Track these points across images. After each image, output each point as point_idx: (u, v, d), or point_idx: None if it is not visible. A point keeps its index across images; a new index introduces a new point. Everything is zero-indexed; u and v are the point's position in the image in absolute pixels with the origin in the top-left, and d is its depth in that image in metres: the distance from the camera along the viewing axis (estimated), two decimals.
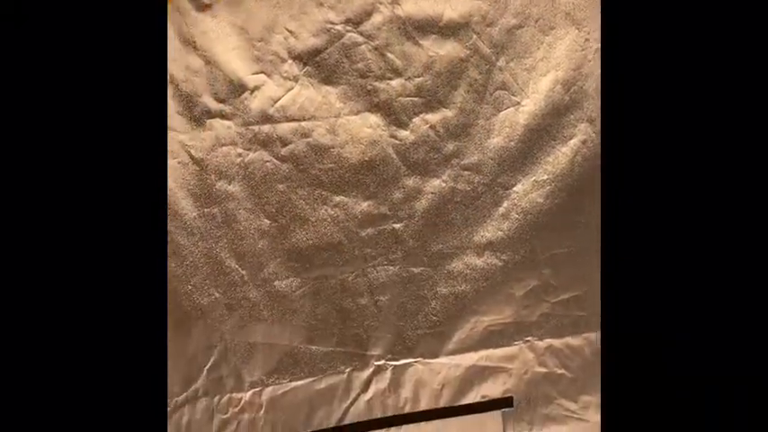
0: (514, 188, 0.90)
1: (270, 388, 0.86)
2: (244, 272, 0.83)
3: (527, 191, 0.90)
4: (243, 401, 0.85)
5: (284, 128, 0.82)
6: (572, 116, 0.90)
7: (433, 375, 0.90)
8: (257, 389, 0.86)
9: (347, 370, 0.88)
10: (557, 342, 0.93)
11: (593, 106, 0.90)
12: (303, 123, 0.83)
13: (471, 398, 0.91)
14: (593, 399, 0.93)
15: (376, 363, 0.89)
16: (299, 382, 0.86)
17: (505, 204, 0.90)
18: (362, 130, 0.84)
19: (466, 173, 0.88)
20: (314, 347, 0.86)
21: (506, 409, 0.91)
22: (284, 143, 0.82)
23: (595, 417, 0.93)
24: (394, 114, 0.85)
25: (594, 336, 0.93)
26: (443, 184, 0.88)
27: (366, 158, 0.85)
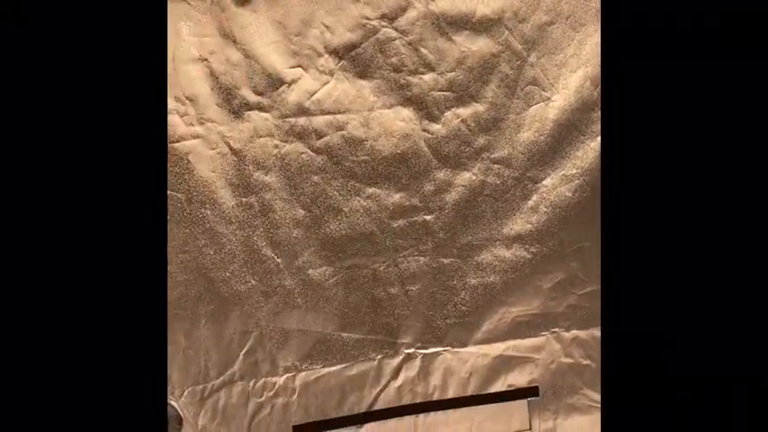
0: (543, 182, 0.91)
1: (303, 373, 0.88)
2: (279, 260, 0.86)
3: (555, 185, 0.91)
4: (277, 386, 0.87)
5: (319, 120, 0.84)
6: (601, 112, 0.91)
7: (461, 364, 0.92)
8: (291, 374, 0.88)
9: (378, 357, 0.90)
10: (583, 333, 0.95)
11: None
12: (338, 116, 0.85)
13: (498, 387, 0.92)
14: None
15: (406, 351, 0.91)
16: (332, 368, 0.88)
17: (534, 198, 0.91)
18: (395, 123, 0.86)
19: (496, 166, 0.90)
20: (346, 335, 0.88)
21: (532, 399, 0.93)
22: (319, 135, 0.84)
23: None
24: (426, 108, 0.86)
25: None
26: (474, 177, 0.89)
27: (398, 151, 0.86)
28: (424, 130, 0.87)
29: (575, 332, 0.95)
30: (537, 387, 0.93)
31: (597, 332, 0.95)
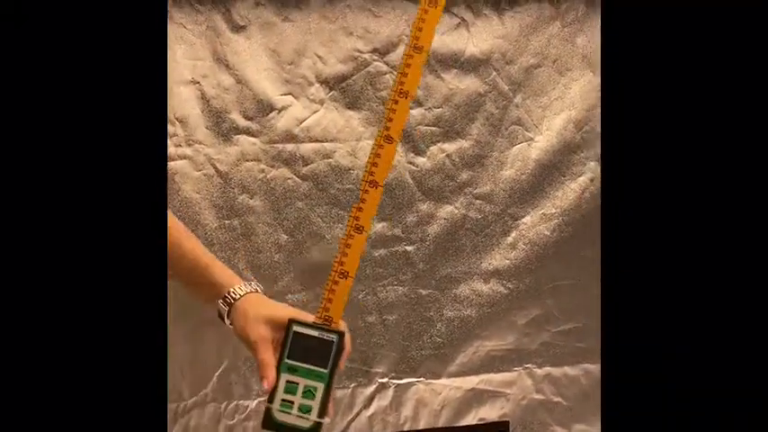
0: (523, 219, 0.93)
1: None
2: (259, 284, 0.86)
3: (535, 223, 0.93)
4: (249, 409, 0.87)
5: (307, 148, 0.85)
6: (582, 154, 0.93)
7: (434, 396, 0.93)
8: (264, 398, 0.87)
9: (351, 385, 0.91)
10: (555, 371, 0.96)
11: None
12: (325, 144, 0.86)
13: (469, 420, 0.93)
14: (587, 428, 0.96)
15: (380, 380, 0.92)
16: None
17: (513, 234, 0.93)
18: None
19: (478, 201, 0.92)
20: None
21: None
22: (306, 162, 0.86)
23: None
24: (413, 142, 0.88)
25: (593, 367, 0.96)
26: (456, 211, 0.91)
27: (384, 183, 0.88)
28: (410, 163, 0.89)
29: (547, 369, 0.96)
30: (507, 422, 0.94)
31: (570, 370, 0.96)
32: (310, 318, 0.60)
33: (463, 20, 0.88)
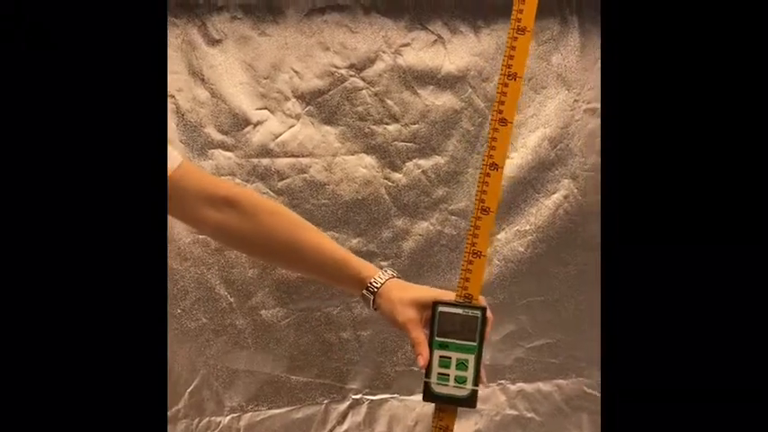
0: (497, 236, 0.94)
1: (248, 414, 0.87)
2: (232, 299, 0.86)
3: (509, 239, 0.94)
4: (221, 425, 0.86)
5: (282, 162, 0.85)
6: (557, 171, 0.94)
7: (407, 412, 0.93)
8: (236, 414, 0.87)
9: (325, 401, 0.90)
10: (528, 387, 0.97)
11: (577, 163, 0.95)
12: (301, 159, 0.86)
13: None
14: None
15: (354, 396, 0.91)
16: (278, 411, 0.88)
17: (488, 251, 0.93)
18: (358, 169, 0.88)
19: (453, 218, 0.92)
20: (294, 377, 0.88)
21: None
22: (281, 177, 0.85)
23: None
24: (389, 157, 0.88)
25: (565, 383, 0.97)
26: (431, 227, 0.91)
27: (359, 197, 0.88)
28: (386, 179, 0.89)
29: (520, 385, 0.97)
30: None
31: (543, 386, 0.97)
32: (452, 296, 0.65)
33: (440, 37, 0.88)
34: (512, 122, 0.63)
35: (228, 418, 0.87)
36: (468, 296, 0.63)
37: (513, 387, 0.97)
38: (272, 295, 0.87)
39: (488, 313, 0.64)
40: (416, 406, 0.93)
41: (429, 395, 0.63)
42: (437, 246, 0.92)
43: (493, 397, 0.96)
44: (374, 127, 0.88)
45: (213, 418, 0.86)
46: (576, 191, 0.95)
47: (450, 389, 0.62)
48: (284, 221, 0.69)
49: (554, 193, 0.94)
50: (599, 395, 0.97)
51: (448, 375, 0.62)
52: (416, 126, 0.89)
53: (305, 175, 0.86)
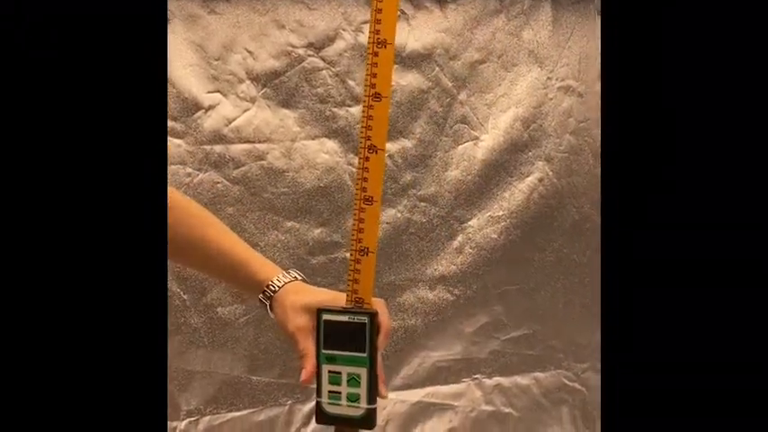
0: (470, 222, 0.89)
1: (207, 418, 0.82)
2: (186, 296, 0.80)
3: (482, 225, 0.89)
4: (178, 430, 0.82)
5: (238, 149, 0.80)
6: (530, 153, 0.90)
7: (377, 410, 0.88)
8: (194, 418, 0.82)
9: (289, 402, 0.85)
10: (505, 380, 0.93)
11: (551, 144, 0.91)
12: (258, 145, 0.81)
13: None
14: None
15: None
16: (238, 413, 0.83)
17: (460, 238, 0.89)
18: (319, 155, 0.83)
19: (422, 204, 0.87)
20: (255, 378, 0.83)
21: None
22: (237, 165, 0.80)
23: None
24: (352, 142, 0.84)
25: (543, 375, 0.93)
26: (399, 215, 0.87)
27: (321, 185, 0.83)
28: (349, 164, 0.84)
29: (497, 379, 0.93)
30: None
31: (521, 379, 0.93)
32: (344, 299, 0.57)
33: (403, 12, 0.83)
34: (387, 97, 0.55)
35: (185, 422, 0.82)
36: (358, 300, 0.55)
37: (489, 381, 0.92)
38: (229, 291, 0.82)
39: (382, 318, 0.56)
40: (387, 404, 0.88)
41: (321, 416, 0.55)
42: (405, 234, 0.88)
43: (468, 392, 0.91)
44: (335, 109, 0.83)
45: (169, 423, 0.81)
46: (550, 173, 0.91)
47: (343, 408, 0.54)
48: (184, 216, 0.61)
49: (528, 176, 0.90)
50: (580, 387, 0.94)
51: (339, 393, 0.54)
52: None
53: (262, 162, 0.81)
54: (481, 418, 0.91)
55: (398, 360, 0.89)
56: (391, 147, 0.85)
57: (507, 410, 0.93)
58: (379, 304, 0.56)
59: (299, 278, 0.61)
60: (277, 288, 0.59)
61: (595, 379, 0.92)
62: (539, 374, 0.93)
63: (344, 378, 0.54)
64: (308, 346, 0.55)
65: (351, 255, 0.54)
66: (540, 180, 0.90)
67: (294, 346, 0.55)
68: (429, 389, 0.90)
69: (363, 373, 0.54)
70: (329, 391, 0.54)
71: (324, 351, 0.55)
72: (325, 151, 0.83)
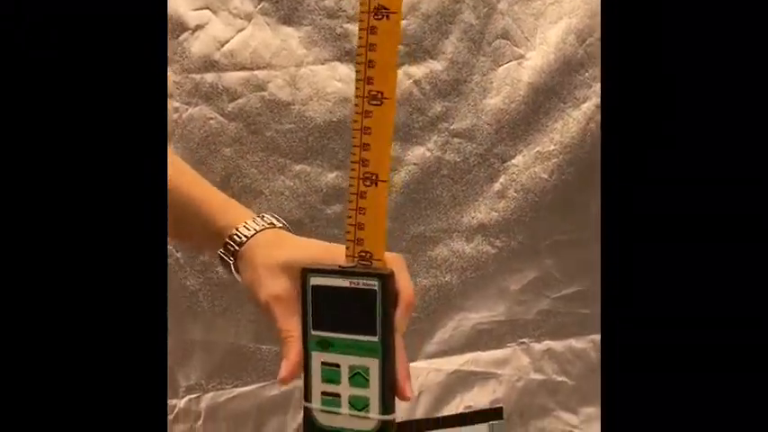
0: (513, 160, 0.77)
1: (210, 394, 0.74)
2: (179, 254, 0.71)
3: (528, 164, 0.77)
4: (177, 409, 0.74)
5: (232, 78, 0.69)
6: (587, 74, 0.76)
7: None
8: (194, 395, 0.74)
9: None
10: (557, 344, 0.82)
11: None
12: (256, 73, 0.70)
13: (453, 408, 0.79)
14: (598, 411, 0.82)
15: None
16: (246, 388, 0.74)
17: (502, 180, 0.77)
18: (330, 83, 0.71)
19: (456, 140, 0.75)
20: (264, 347, 0.74)
21: (495, 422, 0.80)
22: (232, 97, 0.70)
23: None
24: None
25: (600, 337, 0.81)
26: (428, 153, 0.75)
27: (334, 119, 0.71)
28: None
29: (547, 343, 0.82)
30: (501, 408, 0.80)
31: (575, 342, 0.82)
32: (342, 254, 0.42)
33: None
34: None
35: (185, 400, 0.73)
36: (363, 255, 0.40)
37: (537, 346, 0.82)
38: None
39: (400, 283, 0.40)
40: (419, 373, 0.79)
41: (310, 429, 0.40)
42: (437, 177, 0.75)
43: (514, 359, 0.81)
44: (348, 26, 0.70)
45: (168, 402, 0.74)
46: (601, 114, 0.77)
47: (344, 420, 0.39)
48: None
49: (584, 101, 0.77)
50: None
51: (338, 397, 0.39)
52: (404, 22, 0.71)
53: (263, 93, 0.70)
54: (530, 387, 0.81)
55: (432, 323, 0.79)
56: (417, 71, 0.73)
57: (560, 379, 0.82)
58: (395, 262, 0.41)
59: (279, 225, 0.47)
60: (244, 239, 0.45)
61: None
62: (596, 337, 0.82)
63: (345, 373, 0.39)
64: (289, 324, 0.40)
65: (351, 187, 0.40)
66: (598, 107, 0.77)
67: (271, 324, 0.41)
68: (468, 355, 0.80)
69: (374, 365, 0.39)
70: (323, 394, 0.40)
71: (313, 333, 0.40)
72: (338, 78, 0.71)
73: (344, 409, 0.39)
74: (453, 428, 0.78)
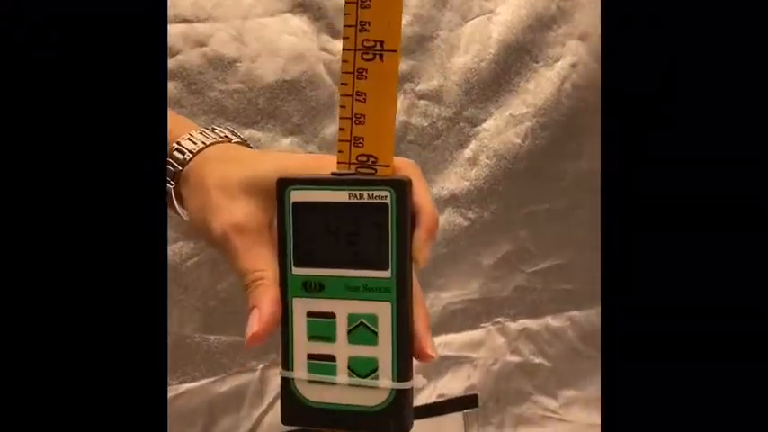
0: (484, 124, 0.72)
1: None
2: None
3: (501, 128, 0.72)
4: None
5: (169, 31, 0.62)
6: (560, 31, 0.72)
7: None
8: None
9: (260, 366, 0.69)
10: (533, 323, 0.77)
11: (586, 19, 0.73)
12: (197, 26, 0.62)
13: (425, 397, 0.74)
14: (578, 393, 0.78)
15: None
16: (194, 384, 0.67)
17: (473, 145, 0.72)
18: (282, 37, 0.64)
19: (422, 102, 0.70)
20: (213, 337, 0.67)
21: (469, 410, 0.75)
22: (171, 53, 0.62)
23: (580, 415, 0.77)
24: (326, 17, 0.65)
25: (581, 315, 0.77)
26: None
27: (287, 78, 0.65)
28: (324, 49, 0.66)
29: (523, 322, 0.77)
30: (476, 395, 0.75)
31: (553, 321, 0.78)
32: (330, 165, 0.32)
33: None
34: None
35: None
36: (365, 161, 0.31)
37: (513, 325, 0.77)
38: (174, 229, 0.64)
39: (418, 195, 0.31)
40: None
41: (293, 410, 0.31)
42: (403, 143, 0.70)
43: (488, 340, 0.76)
44: None
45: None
46: (586, 57, 0.73)
47: (340, 392, 0.30)
48: None
49: (557, 60, 0.72)
50: None
51: (332, 360, 0.30)
52: None
53: (204, 48, 0.62)
54: (506, 371, 0.77)
55: None
56: None
57: (538, 360, 0.78)
58: (408, 168, 0.32)
59: (236, 140, 0.38)
60: (188, 154, 0.35)
61: None
62: (575, 314, 0.78)
63: (343, 326, 0.30)
64: (256, 261, 0.31)
65: (343, 61, 0.33)
66: (574, 65, 0.73)
67: (231, 264, 0.31)
68: (440, 338, 0.74)
69: (385, 312, 0.29)
70: (310, 357, 0.31)
71: (296, 271, 0.30)
72: (291, 32, 0.64)
73: (342, 377, 0.30)
74: (426, 419, 0.72)
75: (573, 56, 0.72)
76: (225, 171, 0.33)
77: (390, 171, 0.32)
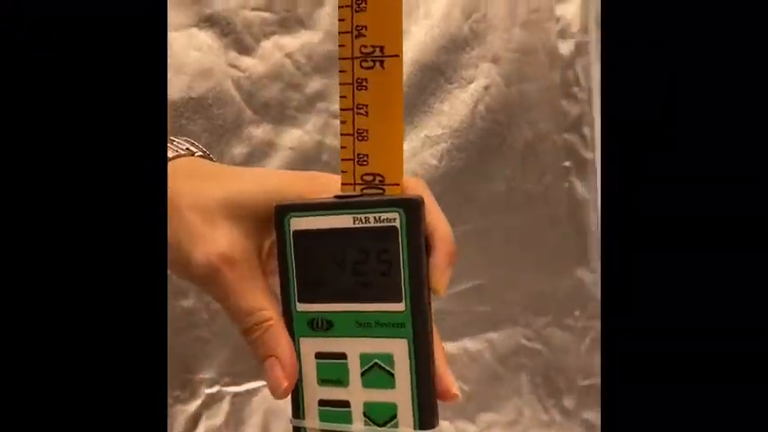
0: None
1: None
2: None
3: (417, 149, 0.71)
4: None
5: None
6: (473, 53, 0.72)
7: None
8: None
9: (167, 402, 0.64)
10: (451, 347, 0.75)
11: (499, 41, 0.73)
12: None
13: None
14: (497, 417, 0.76)
15: (207, 390, 0.66)
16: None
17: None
18: (187, 53, 0.61)
19: (336, 122, 0.68)
20: None
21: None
22: None
23: None
24: (234, 33, 0.63)
25: (498, 336, 0.76)
26: (306, 137, 0.67)
27: (193, 95, 0.62)
28: (233, 66, 0.63)
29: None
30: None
31: (470, 344, 0.76)
32: (334, 184, 0.30)
33: None
34: None
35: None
36: (370, 180, 0.29)
37: None
38: None
39: (432, 216, 0.29)
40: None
41: None
42: (318, 164, 0.67)
43: None
44: None
45: None
46: (498, 79, 0.73)
47: None
48: None
49: (471, 82, 0.72)
50: (541, 347, 0.77)
51: (346, 405, 0.28)
52: None
53: None
54: None
55: None
56: (290, 42, 0.65)
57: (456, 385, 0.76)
58: (417, 186, 0.29)
59: (198, 153, 0.34)
60: None
61: (559, 336, 0.76)
62: (492, 336, 0.77)
63: (356, 367, 0.26)
64: (255, 299, 0.27)
65: (340, 71, 0.30)
66: (487, 88, 0.73)
67: (221, 303, 0.27)
68: None
69: (401, 350, 0.26)
70: (322, 403, 0.27)
71: (300, 307, 0.27)
72: (197, 48, 0.62)
73: (358, 426, 0.27)
74: None
75: (486, 78, 0.72)
76: (199, 190, 0.29)
77: (400, 190, 0.29)
